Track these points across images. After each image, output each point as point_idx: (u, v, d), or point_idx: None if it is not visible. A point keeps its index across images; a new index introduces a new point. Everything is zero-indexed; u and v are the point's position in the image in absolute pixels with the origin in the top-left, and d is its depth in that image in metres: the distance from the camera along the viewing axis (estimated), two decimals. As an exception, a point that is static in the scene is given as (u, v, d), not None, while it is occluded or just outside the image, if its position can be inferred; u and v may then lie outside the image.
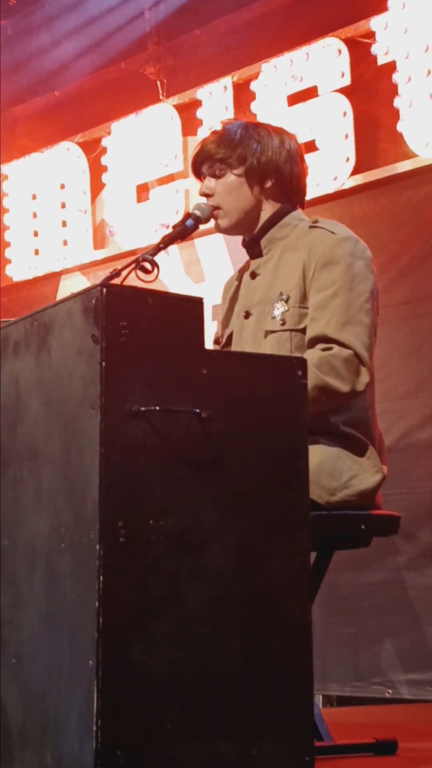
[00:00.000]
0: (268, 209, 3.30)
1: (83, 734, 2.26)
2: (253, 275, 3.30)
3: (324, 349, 3.06)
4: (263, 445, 2.49)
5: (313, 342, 3.10)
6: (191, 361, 2.43)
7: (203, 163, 3.31)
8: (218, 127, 3.36)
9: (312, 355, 3.01)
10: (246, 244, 3.35)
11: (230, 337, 3.32)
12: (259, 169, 3.26)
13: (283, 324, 3.16)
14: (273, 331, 3.17)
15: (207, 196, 3.30)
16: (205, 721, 2.34)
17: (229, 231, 3.34)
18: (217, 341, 3.40)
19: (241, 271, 3.40)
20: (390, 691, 5.15)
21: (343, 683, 5.30)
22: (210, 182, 3.30)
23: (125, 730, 2.26)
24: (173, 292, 2.54)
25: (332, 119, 5.53)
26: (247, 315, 3.26)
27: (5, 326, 2.71)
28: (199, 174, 3.35)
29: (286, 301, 3.17)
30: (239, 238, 3.39)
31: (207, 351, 2.46)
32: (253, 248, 3.33)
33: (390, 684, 5.15)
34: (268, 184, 3.28)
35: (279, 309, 3.18)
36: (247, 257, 3.39)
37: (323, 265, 3.13)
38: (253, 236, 3.31)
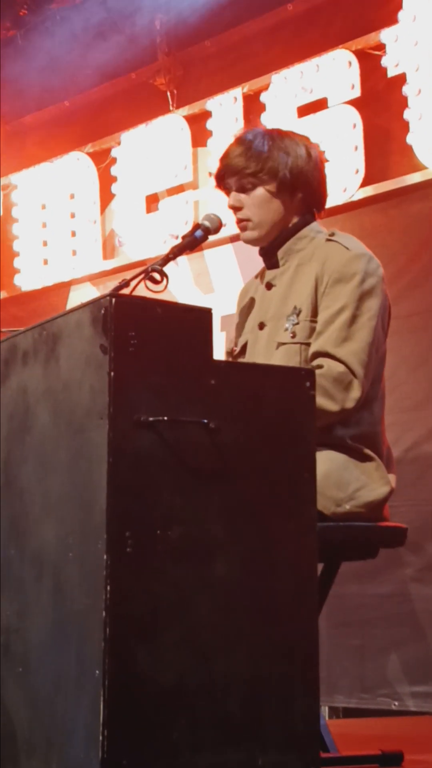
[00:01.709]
0: (294, 220, 3.31)
1: (89, 744, 2.26)
2: (269, 286, 3.31)
3: (316, 366, 3.06)
4: (271, 456, 2.49)
5: (313, 356, 3.11)
6: (199, 371, 2.43)
7: (231, 176, 3.29)
8: (237, 135, 3.33)
9: (315, 372, 3.01)
10: (263, 254, 3.35)
11: (244, 346, 3.33)
12: (291, 182, 3.26)
13: (293, 337, 3.17)
14: (284, 343, 3.18)
15: (236, 209, 3.30)
16: (211, 732, 2.34)
17: (257, 242, 3.34)
18: (230, 353, 3.40)
19: (257, 280, 3.40)
20: (396, 703, 5.14)
21: (350, 695, 5.29)
22: (239, 195, 3.29)
23: (131, 739, 2.26)
24: (182, 303, 2.54)
25: (342, 131, 5.53)
26: (262, 326, 3.27)
27: (14, 336, 2.71)
28: (223, 185, 3.34)
29: (298, 315, 3.17)
30: (250, 250, 3.39)
31: (215, 361, 2.46)
32: (270, 258, 3.33)
33: (396, 696, 5.14)
34: (298, 195, 3.29)
35: (291, 322, 3.18)
36: (258, 266, 3.39)
37: (335, 280, 3.14)
38: (271, 246, 3.31)
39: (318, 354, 3.10)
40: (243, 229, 3.31)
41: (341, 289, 3.13)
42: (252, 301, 3.38)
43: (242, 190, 3.28)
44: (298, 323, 3.17)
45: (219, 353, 2.58)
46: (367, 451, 3.14)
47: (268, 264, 3.35)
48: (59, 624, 2.43)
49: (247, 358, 3.28)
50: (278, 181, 3.25)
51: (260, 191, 3.27)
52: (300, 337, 3.16)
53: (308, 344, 3.15)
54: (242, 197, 3.28)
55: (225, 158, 3.32)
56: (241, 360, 3.31)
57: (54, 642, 2.44)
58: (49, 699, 2.44)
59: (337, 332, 3.09)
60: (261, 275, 3.39)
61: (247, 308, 3.40)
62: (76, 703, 2.33)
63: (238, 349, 3.36)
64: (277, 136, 3.30)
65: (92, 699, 2.26)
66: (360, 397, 3.07)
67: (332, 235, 3.25)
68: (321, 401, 3.01)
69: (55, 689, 2.42)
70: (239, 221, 3.31)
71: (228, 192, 3.34)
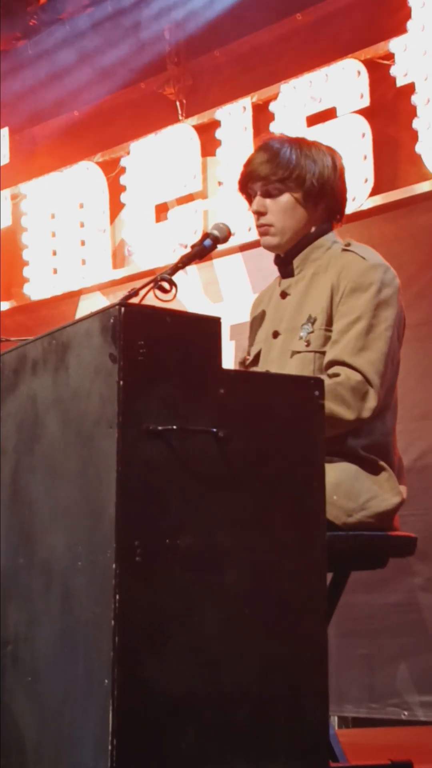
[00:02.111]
0: (312, 229, 3.31)
1: (98, 753, 2.26)
2: (284, 295, 3.31)
3: (333, 375, 3.06)
4: (280, 465, 2.49)
5: (329, 365, 3.11)
6: (208, 380, 2.43)
7: (256, 182, 3.28)
8: (261, 144, 3.33)
9: (324, 381, 3.01)
10: (279, 262, 3.35)
11: (257, 355, 3.33)
12: (317, 192, 3.26)
13: (308, 345, 3.17)
14: (298, 352, 3.18)
15: (260, 214, 3.29)
16: (219, 741, 2.34)
17: (277, 249, 3.33)
18: (243, 362, 3.40)
19: (272, 288, 3.40)
20: (406, 712, 5.13)
21: (359, 704, 5.28)
22: (264, 200, 3.29)
23: (140, 749, 2.25)
24: (191, 312, 2.55)
25: (351, 140, 5.53)
26: (276, 335, 3.27)
27: (24, 345, 2.72)
28: (246, 191, 3.34)
29: (313, 323, 3.17)
30: (259, 259, 3.39)
31: (224, 370, 2.47)
32: (286, 266, 3.33)
33: (406, 705, 5.13)
34: (322, 205, 3.29)
35: (305, 330, 3.18)
36: (267, 275, 3.39)
37: (351, 290, 3.14)
38: (287, 254, 3.31)
39: (334, 363, 3.10)
40: (264, 233, 3.31)
41: (357, 298, 3.13)
42: (265, 310, 3.38)
43: (267, 195, 3.28)
44: (312, 332, 3.17)
45: (228, 362, 2.58)
46: (379, 462, 3.13)
47: (283, 273, 3.35)
48: (68, 633, 2.43)
49: (261, 367, 3.28)
50: (305, 189, 3.25)
51: (286, 198, 3.27)
52: (314, 346, 3.16)
53: (322, 353, 3.15)
54: (267, 202, 3.28)
55: (250, 164, 3.31)
56: (253, 369, 3.31)
57: (63, 651, 2.44)
58: (57, 708, 2.43)
59: (354, 341, 3.09)
60: (276, 284, 3.39)
61: (260, 317, 3.40)
62: (85, 712, 2.33)
63: (251, 358, 3.36)
64: (304, 144, 3.31)
65: (101, 708, 2.26)
66: (376, 406, 3.07)
67: (348, 245, 3.26)
68: (338, 409, 3.01)
69: (64, 698, 2.41)
70: (261, 226, 3.30)
71: (250, 198, 3.34)
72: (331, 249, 3.27)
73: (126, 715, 2.25)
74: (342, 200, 3.34)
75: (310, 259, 3.28)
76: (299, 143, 3.31)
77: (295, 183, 3.25)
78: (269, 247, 3.33)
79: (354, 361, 3.07)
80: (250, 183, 3.31)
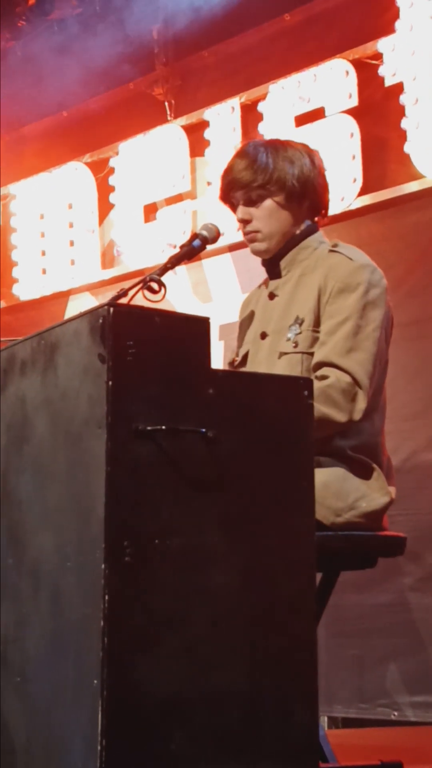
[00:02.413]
0: (301, 228, 3.31)
1: (87, 754, 2.26)
2: (272, 296, 3.31)
3: (322, 377, 3.06)
4: (269, 465, 2.49)
5: (318, 366, 3.11)
6: (197, 380, 2.43)
7: (238, 190, 3.28)
8: (237, 151, 3.33)
9: (313, 381, 3.01)
10: (266, 264, 3.35)
11: (245, 356, 3.33)
12: (299, 192, 3.26)
13: (296, 346, 3.17)
14: (286, 353, 3.18)
15: (246, 222, 3.29)
16: (209, 742, 2.33)
17: (266, 253, 3.33)
18: (231, 363, 3.40)
19: (260, 289, 3.40)
20: (395, 713, 5.13)
21: (349, 705, 5.28)
22: (248, 209, 3.28)
23: (129, 750, 2.25)
24: (180, 312, 2.54)
25: (340, 140, 5.54)
26: (264, 336, 3.27)
27: (12, 345, 2.71)
28: (228, 200, 3.33)
29: (301, 324, 3.17)
30: (248, 260, 3.39)
31: (213, 371, 2.46)
32: (273, 268, 3.33)
33: (395, 706, 5.13)
34: (306, 204, 3.29)
35: (293, 331, 3.18)
36: (256, 275, 3.39)
37: (339, 291, 3.14)
38: (274, 256, 3.31)
39: (323, 364, 3.10)
40: (252, 240, 3.30)
41: (345, 299, 3.13)
42: (254, 311, 3.38)
43: (250, 203, 3.28)
44: (300, 333, 3.17)
45: (217, 362, 2.57)
46: (368, 461, 3.14)
47: (270, 274, 3.35)
48: (57, 634, 2.42)
49: (249, 368, 3.28)
50: (287, 191, 3.25)
51: (269, 203, 3.27)
52: (302, 347, 3.16)
53: (310, 354, 3.15)
54: (251, 210, 3.28)
55: (229, 173, 3.30)
56: (241, 370, 3.31)
57: (52, 652, 2.43)
58: (47, 709, 2.43)
59: (342, 342, 3.09)
60: (264, 285, 3.39)
61: (248, 318, 3.40)
62: (75, 713, 2.32)
63: (239, 359, 3.36)
64: (279, 146, 3.30)
65: (90, 709, 2.26)
66: (365, 407, 3.07)
67: (335, 246, 3.26)
68: (329, 412, 3.02)
69: (53, 699, 2.41)
70: (248, 233, 3.30)
71: (233, 207, 3.33)
72: (318, 249, 3.27)
73: (115, 715, 2.24)
74: (324, 197, 3.34)
75: (297, 260, 3.28)
76: (275, 145, 3.30)
77: (276, 186, 3.25)
78: (258, 253, 3.33)
79: (343, 362, 3.07)
80: (231, 192, 3.31)
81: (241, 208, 3.29)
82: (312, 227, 3.32)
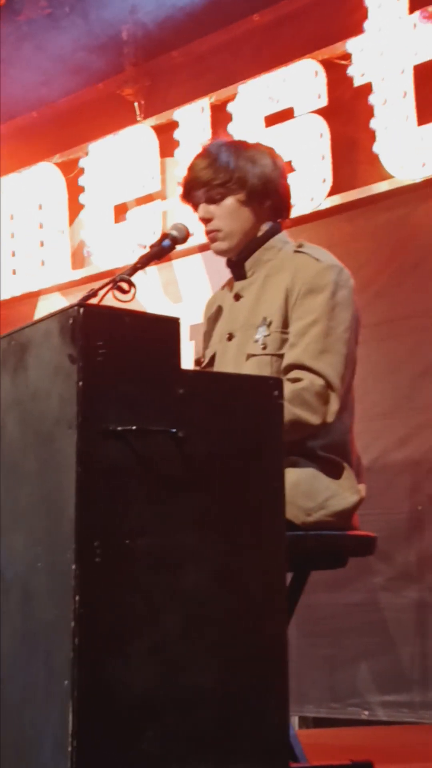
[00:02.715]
0: (263, 229, 3.31)
1: (58, 755, 2.25)
2: (237, 297, 3.30)
3: (295, 379, 3.06)
4: (239, 465, 2.49)
5: (289, 368, 3.10)
6: (168, 380, 2.43)
7: (199, 189, 3.28)
8: (200, 150, 3.33)
9: (284, 389, 3.00)
10: (231, 265, 3.35)
11: (213, 358, 3.32)
12: (260, 190, 3.26)
13: (264, 348, 3.16)
14: (254, 355, 3.17)
15: (206, 221, 3.29)
16: (180, 742, 2.33)
17: (228, 253, 3.33)
18: (198, 362, 3.39)
19: (226, 288, 3.40)
20: (366, 712, 5.14)
21: (319, 704, 5.29)
22: (208, 207, 3.29)
23: (100, 750, 2.25)
24: (150, 312, 2.54)
25: (309, 140, 5.55)
26: (230, 337, 3.26)
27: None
28: (190, 199, 3.33)
29: (269, 326, 3.17)
30: (219, 260, 3.39)
31: (183, 371, 2.46)
32: (238, 269, 3.32)
33: (366, 705, 5.15)
34: (267, 203, 3.29)
35: (261, 333, 3.18)
36: (227, 276, 3.39)
37: (306, 292, 3.14)
38: (238, 257, 3.31)
39: (294, 366, 3.09)
40: (213, 240, 3.30)
41: (313, 300, 3.13)
42: (219, 311, 3.37)
43: (211, 201, 3.28)
44: (269, 335, 3.17)
45: (188, 362, 2.57)
46: (338, 460, 3.14)
47: (236, 275, 3.35)
48: (28, 634, 2.42)
49: (216, 369, 3.27)
50: (247, 189, 3.25)
51: (230, 201, 3.27)
52: (271, 349, 3.16)
53: (279, 356, 3.14)
54: (212, 208, 3.28)
55: (191, 171, 3.31)
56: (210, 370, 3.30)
57: (22, 652, 2.42)
58: (17, 710, 2.42)
59: (314, 344, 3.09)
60: (228, 286, 3.39)
61: (213, 319, 3.40)
62: (45, 713, 2.32)
63: (206, 360, 3.35)
64: (241, 146, 3.32)
65: (61, 710, 2.25)
66: (338, 409, 3.07)
67: (301, 246, 3.25)
68: (304, 414, 3.02)
69: (24, 700, 2.40)
70: (209, 232, 3.30)
71: (195, 205, 3.33)
72: (282, 250, 3.27)
73: (86, 716, 2.24)
74: (286, 199, 3.34)
75: (262, 260, 3.28)
76: (236, 145, 3.31)
77: (237, 185, 3.25)
78: (220, 252, 3.33)
79: (315, 364, 3.07)
80: (192, 191, 3.31)
81: (202, 207, 3.29)
82: (276, 228, 3.32)
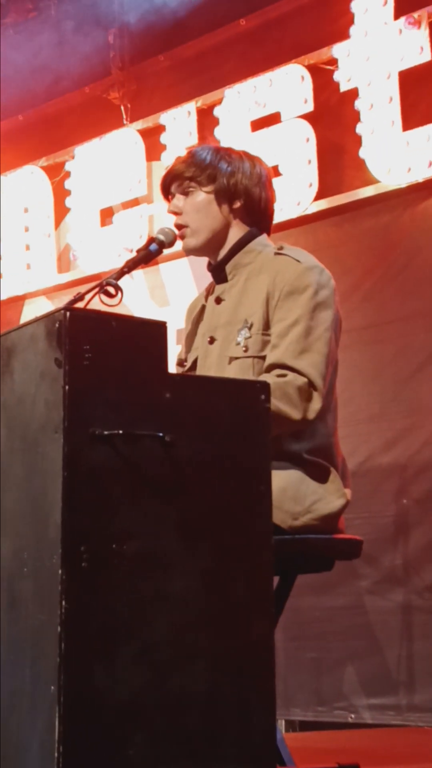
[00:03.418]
0: (235, 231, 3.31)
1: (45, 761, 2.25)
2: (218, 300, 3.31)
3: (279, 375, 3.06)
4: (226, 469, 2.49)
5: (270, 368, 3.10)
6: (155, 384, 2.43)
7: (172, 183, 3.32)
8: (186, 152, 3.37)
9: (270, 384, 3.01)
10: (211, 269, 3.36)
11: (195, 361, 3.33)
12: (229, 189, 3.28)
13: (246, 351, 3.16)
14: (236, 358, 3.18)
15: (175, 214, 3.31)
16: (168, 747, 2.33)
17: (196, 251, 3.33)
18: (180, 363, 3.40)
19: (206, 294, 3.40)
20: (352, 715, 5.15)
21: (306, 708, 5.29)
22: (179, 200, 3.31)
23: (87, 756, 2.24)
24: (137, 316, 2.54)
25: (295, 145, 5.56)
26: (212, 340, 3.26)
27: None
28: (168, 195, 3.35)
29: (250, 328, 3.17)
30: (204, 263, 3.39)
31: (170, 375, 2.46)
32: (219, 273, 3.33)
33: (352, 708, 5.15)
34: (237, 204, 3.30)
35: (242, 335, 3.18)
36: (211, 280, 3.39)
37: (287, 293, 3.14)
38: (218, 261, 3.32)
39: (276, 366, 3.10)
40: (182, 237, 3.32)
41: (294, 301, 3.14)
42: (201, 314, 3.38)
43: (182, 193, 3.31)
44: (250, 337, 3.17)
45: (174, 366, 2.57)
46: (324, 463, 3.14)
47: (216, 279, 3.35)
48: (14, 640, 2.41)
49: (199, 373, 3.27)
50: (216, 184, 3.27)
51: (200, 195, 3.29)
52: (252, 351, 3.16)
53: (261, 358, 3.15)
54: (181, 202, 3.30)
55: (169, 168, 3.35)
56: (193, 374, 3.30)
57: (8, 658, 2.42)
58: (3, 715, 2.42)
59: (294, 344, 3.09)
60: (209, 290, 3.39)
61: (196, 321, 3.40)
62: (31, 719, 2.31)
63: (188, 364, 3.35)
64: (223, 150, 3.35)
65: (47, 716, 2.25)
66: (320, 408, 3.07)
67: (281, 248, 3.26)
68: (285, 408, 3.01)
69: (10, 706, 2.40)
70: (179, 228, 3.31)
71: (170, 201, 3.36)
72: (263, 253, 3.28)
73: (73, 721, 2.23)
74: (264, 207, 3.34)
75: (242, 263, 3.29)
76: (220, 149, 3.37)
77: (207, 179, 3.27)
78: (188, 250, 3.33)
79: (296, 364, 3.08)
80: (169, 186, 3.34)
81: (173, 200, 3.32)
82: (255, 232, 3.32)
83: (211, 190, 3.28)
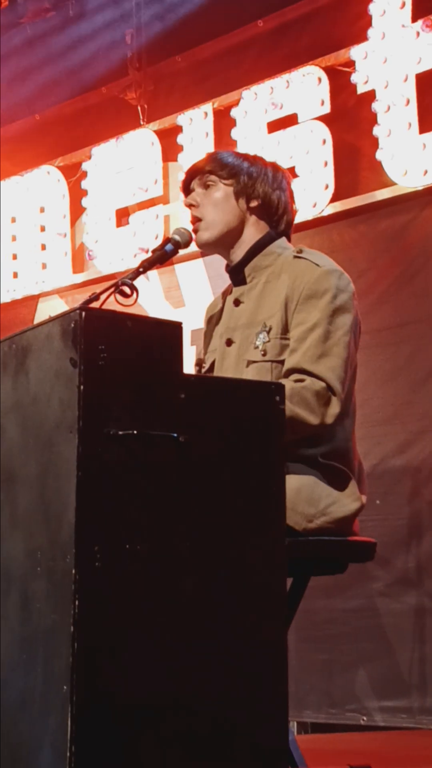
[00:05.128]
0: (251, 230, 3.31)
1: (56, 760, 2.25)
2: (237, 302, 3.30)
3: (297, 380, 3.06)
4: (240, 470, 2.48)
5: (289, 373, 3.10)
6: (169, 385, 2.43)
7: (194, 177, 3.33)
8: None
9: (285, 386, 3.00)
10: (230, 270, 3.35)
11: (213, 363, 3.32)
12: (248, 187, 3.28)
13: (264, 354, 3.16)
14: (254, 361, 3.17)
15: (191, 206, 3.31)
16: (179, 748, 2.33)
17: (209, 245, 3.33)
18: (199, 364, 3.39)
19: (224, 296, 3.40)
20: (364, 717, 5.14)
21: (318, 710, 5.29)
22: (197, 194, 3.32)
23: (99, 756, 2.24)
24: (152, 317, 2.54)
25: (312, 147, 5.56)
26: (229, 343, 3.26)
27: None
28: (188, 192, 3.36)
29: (269, 332, 3.17)
30: (220, 264, 3.39)
31: (185, 375, 2.46)
32: (237, 275, 3.33)
33: (364, 711, 5.15)
34: (254, 203, 3.30)
35: (261, 339, 3.18)
36: (229, 281, 3.39)
37: (307, 297, 3.14)
38: (237, 263, 3.32)
39: (294, 370, 3.09)
40: (195, 231, 3.32)
41: (313, 305, 3.13)
42: (219, 315, 3.37)
43: (202, 186, 3.32)
44: (269, 341, 3.16)
45: (189, 367, 2.57)
46: (340, 467, 3.13)
47: (234, 281, 3.35)
48: (27, 639, 2.41)
49: (216, 374, 3.27)
50: (236, 180, 3.28)
51: (218, 188, 3.30)
52: (271, 355, 3.15)
53: (279, 362, 3.14)
54: (199, 194, 3.31)
55: (192, 165, 3.37)
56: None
57: (21, 657, 2.42)
58: (15, 715, 2.42)
59: (313, 349, 3.08)
60: (228, 292, 3.39)
61: (214, 322, 3.40)
62: (44, 719, 2.31)
63: (206, 366, 3.35)
64: (248, 155, 3.36)
65: (60, 715, 2.25)
66: (338, 413, 3.07)
67: (300, 252, 3.25)
68: (302, 413, 3.01)
69: (22, 705, 2.40)
70: (193, 222, 3.32)
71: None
72: (282, 255, 3.27)
73: (85, 721, 2.24)
74: (281, 209, 3.34)
75: (261, 266, 3.28)
76: (245, 155, 3.38)
77: (227, 174, 3.29)
78: (201, 244, 3.33)
79: (315, 368, 3.07)
80: (189, 180, 3.35)
81: (192, 193, 3.33)
82: (273, 235, 3.32)
83: (231, 183, 3.29)
